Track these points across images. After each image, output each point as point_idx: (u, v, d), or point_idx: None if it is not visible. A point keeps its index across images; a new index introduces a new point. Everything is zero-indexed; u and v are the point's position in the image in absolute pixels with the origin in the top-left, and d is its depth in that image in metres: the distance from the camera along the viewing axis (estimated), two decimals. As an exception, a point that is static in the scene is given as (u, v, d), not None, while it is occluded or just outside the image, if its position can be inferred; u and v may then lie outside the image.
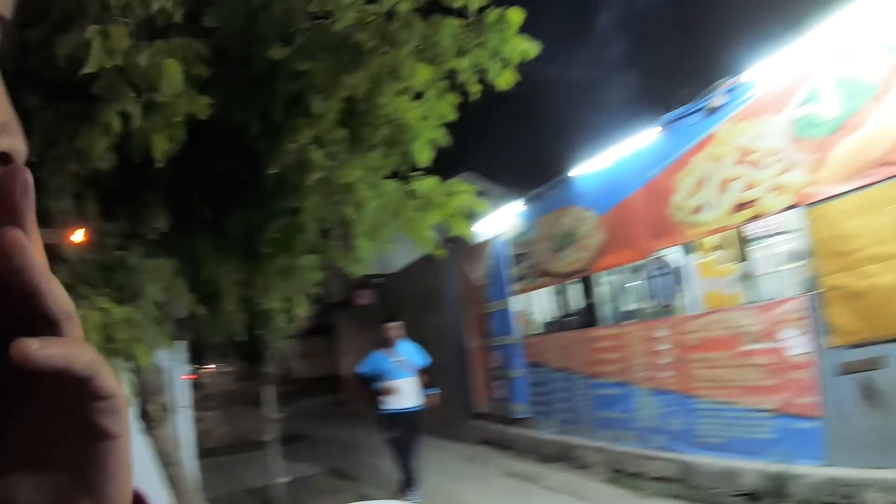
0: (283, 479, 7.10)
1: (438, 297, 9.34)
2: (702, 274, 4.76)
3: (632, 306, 5.64)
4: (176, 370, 3.85)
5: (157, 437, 2.93)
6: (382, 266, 12.90)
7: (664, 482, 4.97)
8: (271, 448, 6.74)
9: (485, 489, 6.11)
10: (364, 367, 6.26)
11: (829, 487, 3.77)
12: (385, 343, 6.17)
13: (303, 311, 3.42)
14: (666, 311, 5.05)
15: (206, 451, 11.14)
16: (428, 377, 6.23)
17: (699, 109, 4.47)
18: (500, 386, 7.66)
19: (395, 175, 3.07)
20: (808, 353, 3.95)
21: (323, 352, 28.38)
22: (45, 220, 2.25)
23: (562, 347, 6.33)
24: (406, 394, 6.02)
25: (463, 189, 3.01)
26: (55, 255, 2.32)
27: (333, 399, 18.70)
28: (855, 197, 3.68)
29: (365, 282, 13.51)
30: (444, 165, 3.05)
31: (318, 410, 17.06)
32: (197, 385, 12.46)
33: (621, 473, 5.50)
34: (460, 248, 8.50)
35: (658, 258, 5.03)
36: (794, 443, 4.06)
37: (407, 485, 5.92)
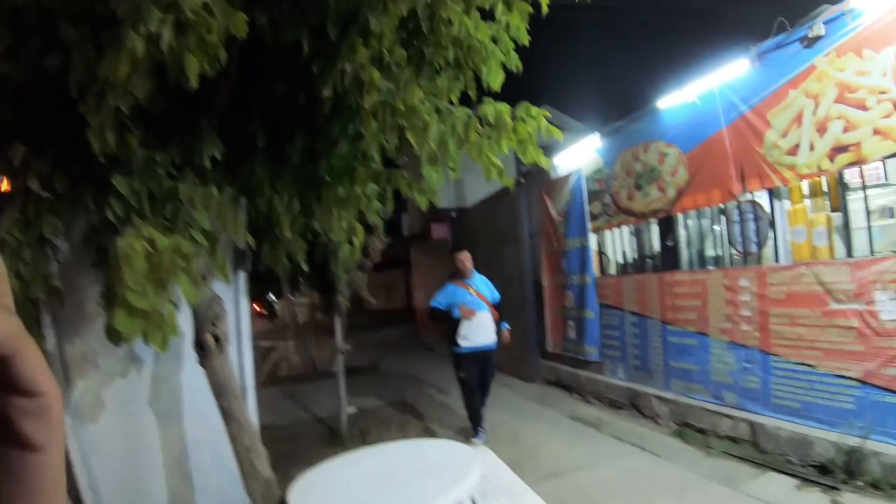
0: (349, 410, 7.21)
1: (513, 232, 9.16)
2: (791, 222, 4.34)
3: (713, 252, 5.29)
4: (239, 300, 3.82)
5: (211, 368, 2.87)
6: (458, 200, 12.84)
7: (732, 441, 4.74)
8: (339, 379, 6.76)
9: (548, 431, 6.02)
10: (439, 301, 6.01)
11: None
12: (459, 274, 5.99)
13: (364, 241, 3.26)
14: (750, 259, 4.67)
15: (278, 380, 11.65)
16: (498, 313, 6.02)
17: (797, 39, 3.98)
18: (572, 327, 7.47)
19: (464, 101, 2.85)
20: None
21: (399, 284, 28.98)
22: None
23: (637, 290, 6.04)
24: (481, 329, 5.84)
25: (535, 114, 2.75)
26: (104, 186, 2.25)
27: (407, 331, 18.95)
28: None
29: (440, 215, 13.45)
30: (519, 97, 2.81)
31: (392, 342, 17.32)
32: (271, 315, 12.83)
33: (688, 427, 5.30)
34: (538, 181, 8.27)
35: (745, 202, 4.64)
36: (876, 417, 3.73)
37: (474, 426, 5.85)
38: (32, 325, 2.45)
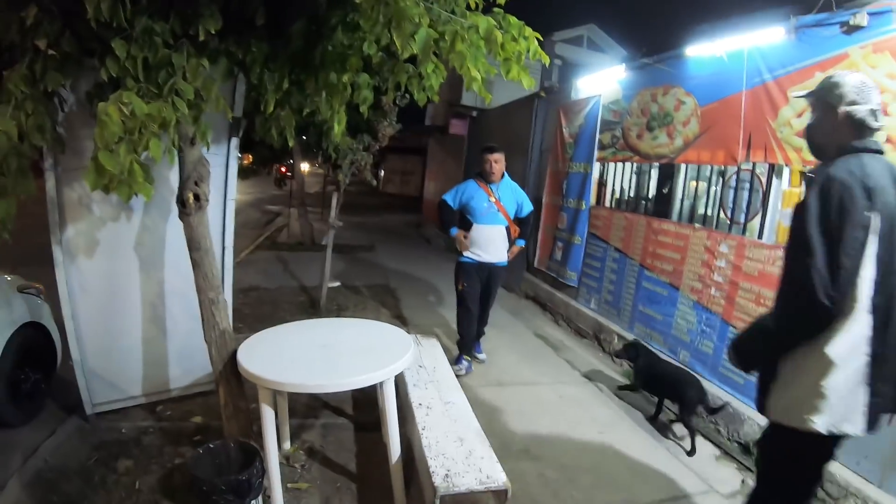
0: (332, 284, 7.50)
1: (525, 144, 9.16)
2: (784, 203, 4.30)
3: (704, 211, 5.33)
4: (228, 164, 3.99)
5: (188, 223, 3.10)
6: (480, 100, 12.74)
7: None
8: (327, 252, 7.00)
9: (509, 342, 6.33)
10: (452, 196, 5.36)
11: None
12: (485, 175, 5.28)
13: (342, 127, 3.40)
14: (735, 228, 4.69)
15: (276, 245, 12.00)
16: (521, 229, 5.47)
17: (838, 23, 3.81)
18: (560, 248, 7.62)
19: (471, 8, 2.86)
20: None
21: (416, 172, 29.07)
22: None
23: (625, 229, 6.14)
24: (492, 242, 5.25)
25: (528, 34, 2.80)
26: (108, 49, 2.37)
27: (413, 220, 19.20)
28: None
29: (461, 112, 13.38)
30: (570, 11, 2.82)
31: (395, 227, 17.60)
32: (283, 181, 13.05)
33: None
34: (558, 99, 8.22)
35: (745, 170, 4.62)
36: None
37: (460, 350, 5.43)
38: (29, 170, 2.63)
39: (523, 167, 9.01)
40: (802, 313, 2.02)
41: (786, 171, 4.31)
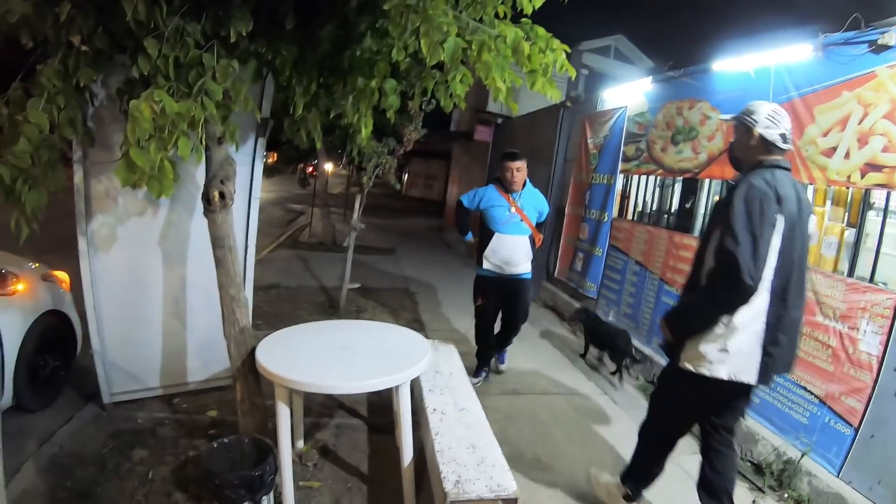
0: (352, 286, 7.54)
1: (549, 153, 9.16)
2: None
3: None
4: (254, 164, 4.04)
5: (213, 220, 3.15)
6: (506, 108, 12.73)
7: None
8: (348, 254, 7.04)
9: (527, 352, 6.28)
10: (469, 198, 5.05)
11: (831, 499, 3.58)
12: (505, 184, 4.88)
13: (369, 131, 3.45)
14: None
15: (297, 244, 12.07)
16: (540, 237, 5.11)
17: (866, 41, 3.77)
18: (580, 259, 7.60)
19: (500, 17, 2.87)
20: (876, 356, 3.55)
21: (439, 176, 29.13)
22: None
23: (646, 242, 6.11)
24: (513, 252, 4.86)
25: (556, 47, 2.81)
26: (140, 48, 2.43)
27: (435, 224, 19.22)
28: None
29: (486, 118, 13.40)
30: (598, 21, 2.85)
31: (417, 231, 17.63)
32: (304, 182, 13.15)
33: (654, 386, 5.45)
34: (583, 109, 8.21)
35: None
36: (822, 439, 3.82)
37: (479, 365, 5.21)
38: (59, 162, 2.70)
39: (547, 176, 9.01)
40: (731, 290, 2.49)
41: (810, 190, 4.24)
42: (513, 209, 4.83)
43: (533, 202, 4.98)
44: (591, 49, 18.88)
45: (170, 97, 2.27)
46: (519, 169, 4.83)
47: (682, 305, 2.94)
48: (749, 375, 2.65)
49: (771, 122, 2.68)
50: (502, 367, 5.55)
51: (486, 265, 4.93)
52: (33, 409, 3.78)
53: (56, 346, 4.03)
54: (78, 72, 2.56)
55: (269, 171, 14.03)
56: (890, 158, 3.60)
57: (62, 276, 4.26)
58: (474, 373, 5.05)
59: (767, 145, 2.69)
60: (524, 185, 4.95)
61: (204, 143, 2.72)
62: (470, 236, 5.18)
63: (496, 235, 4.86)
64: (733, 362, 2.63)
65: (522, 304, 5.05)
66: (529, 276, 5.03)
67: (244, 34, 2.58)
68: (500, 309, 5.11)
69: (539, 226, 5.10)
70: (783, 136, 2.67)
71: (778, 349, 2.64)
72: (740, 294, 2.49)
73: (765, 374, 2.66)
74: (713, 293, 2.62)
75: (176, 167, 2.50)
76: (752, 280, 2.42)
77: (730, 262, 2.44)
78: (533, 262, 5.03)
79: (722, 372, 2.65)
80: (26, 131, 2.41)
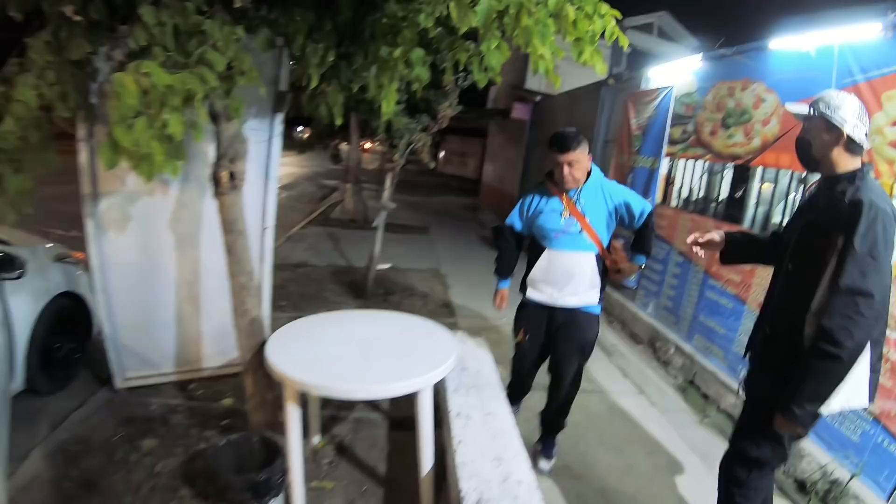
0: (382, 266, 7.35)
1: (588, 133, 8.79)
2: None
3: (780, 219, 4.92)
4: (271, 141, 3.81)
5: (222, 203, 2.95)
6: (548, 85, 12.40)
7: (728, 419, 4.58)
8: (377, 234, 6.84)
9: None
10: (517, 217, 3.57)
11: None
12: (556, 181, 3.34)
13: (392, 106, 3.11)
14: None
15: (328, 221, 11.94)
16: (639, 239, 3.52)
17: None
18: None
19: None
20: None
21: (475, 154, 28.84)
22: None
23: (691, 231, 5.76)
24: (572, 280, 3.37)
25: (605, 12, 2.49)
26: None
27: (470, 203, 19.00)
28: None
29: (525, 95, 13.08)
30: None
31: (451, 210, 17.43)
32: (338, 157, 13.04)
33: (694, 388, 5.19)
34: (626, 87, 7.84)
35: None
36: (874, 460, 3.48)
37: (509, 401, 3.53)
38: (52, 142, 2.49)
39: (587, 158, 8.67)
40: (862, 338, 2.09)
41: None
42: (567, 213, 3.31)
43: (605, 201, 3.33)
44: (634, 26, 18.33)
45: (160, 69, 2.02)
46: (573, 162, 3.18)
47: (809, 389, 2.20)
48: (861, 399, 2.28)
49: (859, 120, 2.29)
50: (545, 465, 3.71)
51: (531, 293, 3.55)
52: (47, 392, 3.72)
53: (71, 327, 3.95)
54: (70, 45, 2.32)
55: (303, 147, 13.95)
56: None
57: (77, 256, 4.12)
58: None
59: (852, 147, 2.30)
60: (588, 177, 3.34)
61: (206, 119, 2.46)
62: (505, 284, 3.74)
63: (546, 252, 3.41)
64: (846, 392, 2.22)
65: (576, 352, 3.50)
66: (594, 309, 3.50)
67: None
68: (547, 350, 3.66)
69: (638, 231, 3.49)
70: (867, 135, 2.33)
71: (880, 363, 2.32)
72: (866, 339, 2.11)
73: (874, 393, 2.32)
74: (856, 336, 2.09)
75: (181, 145, 2.27)
76: (883, 325, 2.18)
77: (864, 308, 2.06)
78: (602, 290, 3.52)
79: (835, 405, 2.24)
80: (14, 109, 2.20)
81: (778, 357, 2.39)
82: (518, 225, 3.56)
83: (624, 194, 3.38)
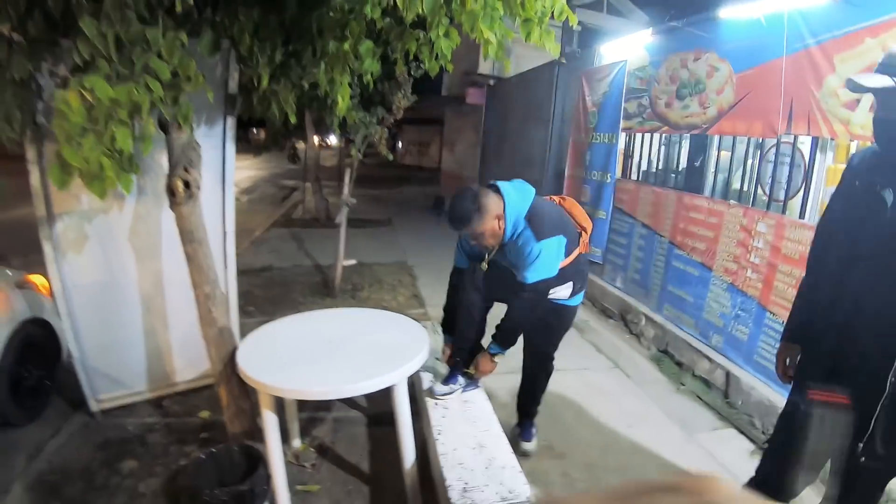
0: (348, 262, 7.29)
1: (545, 113, 8.83)
2: (829, 181, 3.93)
3: (739, 186, 4.97)
4: (225, 146, 3.74)
5: (179, 213, 2.87)
6: (501, 68, 12.41)
7: (705, 385, 4.67)
8: (341, 231, 6.78)
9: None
10: (460, 260, 3.36)
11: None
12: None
13: (346, 101, 3.05)
14: (774, 206, 4.33)
15: (290, 222, 11.83)
16: (500, 331, 3.15)
17: None
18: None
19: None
20: None
21: (433, 143, 28.81)
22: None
23: (653, 203, 5.83)
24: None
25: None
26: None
27: (432, 192, 18.93)
28: None
29: (478, 80, 13.06)
30: None
31: (413, 200, 17.38)
32: (296, 156, 12.89)
33: (668, 357, 5.26)
34: (580, 65, 7.86)
35: (785, 143, 4.23)
36: None
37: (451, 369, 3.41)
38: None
39: (543, 138, 8.70)
40: None
41: (831, 146, 3.95)
42: (485, 265, 3.17)
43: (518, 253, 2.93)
44: (583, 4, 18.36)
45: (104, 82, 1.95)
46: (473, 235, 2.91)
47: None
48: None
49: None
50: (527, 447, 3.64)
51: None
52: (20, 423, 3.62)
53: (38, 355, 3.84)
54: (11, 64, 2.24)
55: (259, 149, 13.76)
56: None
57: (39, 280, 4.01)
58: (444, 379, 3.41)
59: None
60: (504, 236, 2.93)
61: (155, 130, 2.39)
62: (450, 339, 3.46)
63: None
64: None
65: (543, 334, 3.42)
66: (566, 302, 3.29)
67: (191, 3, 2.25)
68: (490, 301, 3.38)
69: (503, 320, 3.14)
70: None
71: None
72: None
73: None
74: None
75: (132, 158, 2.21)
76: None
77: None
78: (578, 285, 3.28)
79: None
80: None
81: None
82: (465, 261, 3.32)
83: (519, 259, 2.92)
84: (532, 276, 2.87)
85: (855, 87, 1.93)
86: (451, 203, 2.86)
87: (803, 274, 2.48)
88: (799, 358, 2.35)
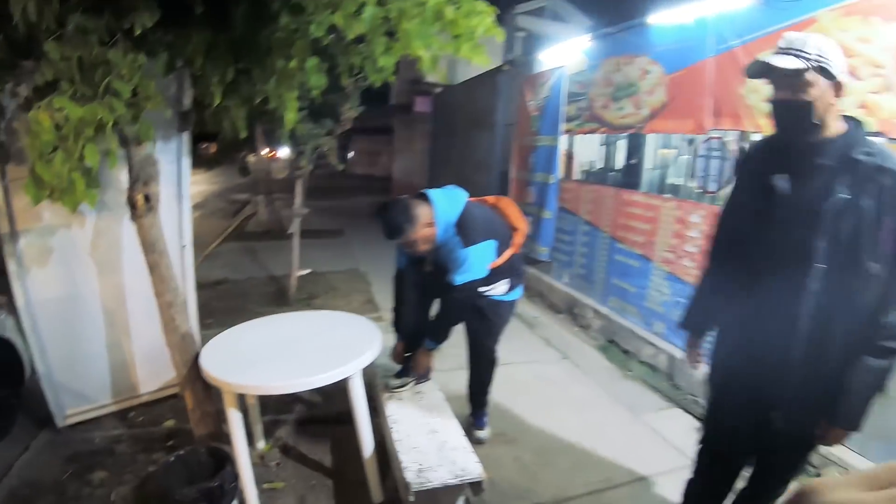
0: (303, 272, 7.39)
1: (490, 119, 9.11)
2: None
3: (674, 180, 5.28)
4: (180, 160, 3.86)
5: (140, 225, 3.00)
6: (449, 75, 12.62)
7: (650, 369, 4.96)
8: (294, 241, 6.89)
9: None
10: (400, 261, 3.65)
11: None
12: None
13: (294, 115, 3.20)
14: (706, 197, 4.61)
15: (243, 235, 11.81)
16: (433, 322, 3.48)
17: None
18: (530, 223, 7.56)
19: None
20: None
21: (383, 152, 28.85)
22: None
23: (594, 201, 6.11)
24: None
25: (481, 10, 2.68)
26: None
27: (383, 201, 18.94)
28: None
29: (425, 89, 13.26)
30: None
31: (365, 209, 17.39)
32: (246, 170, 12.83)
33: (615, 346, 5.55)
34: (522, 71, 8.13)
35: (714, 138, 4.53)
36: None
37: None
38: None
39: (489, 143, 8.95)
40: None
41: (756, 139, 4.20)
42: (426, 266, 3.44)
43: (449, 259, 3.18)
44: (526, 11, 18.70)
45: (72, 102, 2.10)
46: (408, 244, 3.16)
47: (862, 383, 1.90)
48: None
49: (844, 63, 1.93)
50: (480, 434, 3.86)
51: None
52: None
53: (2, 374, 3.80)
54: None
55: (211, 163, 13.67)
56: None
57: None
58: (397, 373, 3.68)
59: (841, 97, 1.94)
60: (437, 237, 3.15)
61: (118, 146, 2.53)
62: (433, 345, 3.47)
63: None
64: None
65: (484, 329, 3.70)
66: (503, 298, 3.59)
67: (150, 26, 2.39)
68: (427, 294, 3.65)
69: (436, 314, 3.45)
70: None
71: None
72: None
73: None
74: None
75: (96, 174, 2.34)
76: None
77: None
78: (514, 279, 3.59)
79: None
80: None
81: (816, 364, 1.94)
82: (404, 262, 3.59)
83: (449, 263, 3.19)
84: (460, 278, 3.12)
85: (755, 69, 1.98)
86: (384, 215, 3.09)
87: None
88: (713, 343, 2.46)
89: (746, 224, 2.13)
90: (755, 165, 2.17)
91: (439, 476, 2.60)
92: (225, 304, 6.68)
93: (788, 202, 1.96)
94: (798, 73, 1.85)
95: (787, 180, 1.98)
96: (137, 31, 2.36)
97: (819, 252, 1.86)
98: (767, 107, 2.02)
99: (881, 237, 1.80)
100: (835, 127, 1.95)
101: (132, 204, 2.93)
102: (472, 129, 10.10)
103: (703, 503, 2.55)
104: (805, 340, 1.91)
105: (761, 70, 1.96)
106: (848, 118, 1.98)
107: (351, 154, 35.54)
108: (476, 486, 2.65)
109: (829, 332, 1.89)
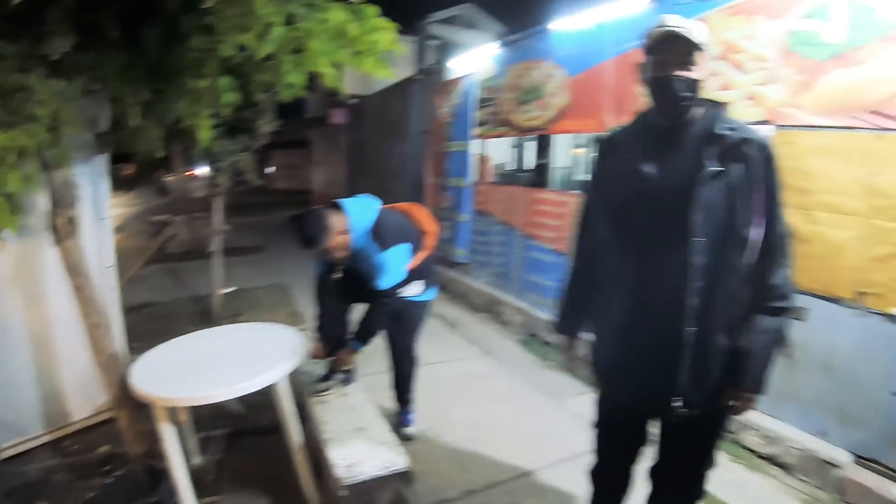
0: (227, 289, 7.37)
1: (405, 127, 9.27)
2: None
3: (581, 177, 5.58)
4: (98, 182, 3.87)
5: (64, 248, 3.03)
6: (363, 85, 12.68)
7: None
8: (215, 260, 6.85)
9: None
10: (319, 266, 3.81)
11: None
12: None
13: (208, 133, 3.27)
14: None
15: (165, 257, 11.58)
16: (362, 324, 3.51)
17: None
18: (447, 227, 7.75)
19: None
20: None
21: (301, 165, 28.53)
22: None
23: (508, 201, 6.39)
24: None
25: (382, 26, 2.85)
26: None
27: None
28: (831, 135, 3.34)
29: (339, 101, 13.30)
30: None
31: (285, 224, 17.24)
32: (164, 191, 12.54)
33: (535, 339, 5.83)
34: (434, 80, 8.34)
35: None
36: None
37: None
38: None
39: (403, 151, 9.12)
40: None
41: (607, 132, 4.57)
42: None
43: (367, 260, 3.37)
44: (440, 20, 18.94)
45: (-3, 130, 2.15)
46: (325, 252, 3.31)
47: (760, 350, 1.96)
48: None
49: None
50: (407, 431, 4.02)
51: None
52: None
53: None
54: None
55: (128, 185, 13.28)
56: (726, 95, 3.90)
57: None
58: (322, 377, 3.78)
59: None
60: (353, 244, 3.36)
61: (39, 170, 2.58)
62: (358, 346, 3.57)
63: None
64: None
65: (401, 328, 3.83)
66: (417, 298, 3.77)
67: (66, 50, 2.45)
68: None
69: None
70: None
71: None
72: None
73: None
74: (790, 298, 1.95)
75: (16, 199, 2.38)
76: None
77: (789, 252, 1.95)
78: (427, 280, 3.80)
79: None
80: None
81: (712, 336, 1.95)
82: (323, 268, 3.77)
83: (370, 269, 3.38)
84: (384, 282, 3.32)
85: (662, 35, 2.02)
86: (299, 226, 3.22)
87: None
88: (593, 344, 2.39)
89: (616, 215, 2.11)
90: (619, 153, 2.17)
91: (368, 469, 2.75)
92: (151, 326, 6.58)
93: (661, 181, 1.97)
94: (697, 49, 1.90)
95: (657, 161, 1.99)
96: (55, 57, 2.42)
97: (696, 226, 1.86)
98: (650, 84, 2.07)
99: (754, 205, 1.87)
100: (698, 107, 2.00)
101: (55, 227, 2.96)
102: (388, 138, 10.24)
103: (609, 482, 2.60)
104: (697, 317, 1.91)
105: (668, 36, 1.97)
106: (704, 100, 2.02)
107: (271, 169, 35.03)
108: (405, 476, 2.81)
109: (718, 303, 1.91)
